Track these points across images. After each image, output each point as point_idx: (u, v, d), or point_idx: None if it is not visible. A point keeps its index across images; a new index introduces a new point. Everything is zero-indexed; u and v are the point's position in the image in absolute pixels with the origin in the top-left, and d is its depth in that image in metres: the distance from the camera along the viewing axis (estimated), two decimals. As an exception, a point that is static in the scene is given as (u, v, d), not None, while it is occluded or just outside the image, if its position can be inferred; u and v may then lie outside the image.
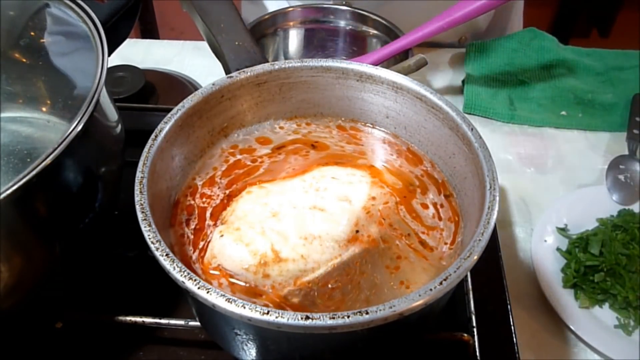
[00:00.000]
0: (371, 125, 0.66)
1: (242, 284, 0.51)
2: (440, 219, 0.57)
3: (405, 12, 1.05)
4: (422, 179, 0.61)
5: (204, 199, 0.58)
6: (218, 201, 0.58)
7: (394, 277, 0.52)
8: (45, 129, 0.72)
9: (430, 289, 0.43)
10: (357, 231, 0.53)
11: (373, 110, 0.65)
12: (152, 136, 0.54)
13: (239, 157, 0.62)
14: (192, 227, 0.56)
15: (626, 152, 0.92)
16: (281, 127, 0.66)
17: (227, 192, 0.59)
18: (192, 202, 0.58)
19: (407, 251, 0.54)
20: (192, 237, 0.56)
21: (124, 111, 0.68)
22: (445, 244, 0.55)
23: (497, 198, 0.49)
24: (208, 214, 0.57)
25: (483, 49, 1.08)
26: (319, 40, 1.05)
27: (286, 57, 1.04)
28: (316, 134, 0.65)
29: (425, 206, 0.58)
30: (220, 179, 0.60)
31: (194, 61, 1.11)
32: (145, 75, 0.98)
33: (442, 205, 0.58)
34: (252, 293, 0.51)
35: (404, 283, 0.52)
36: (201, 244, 0.55)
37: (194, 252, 0.54)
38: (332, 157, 0.63)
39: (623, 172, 0.87)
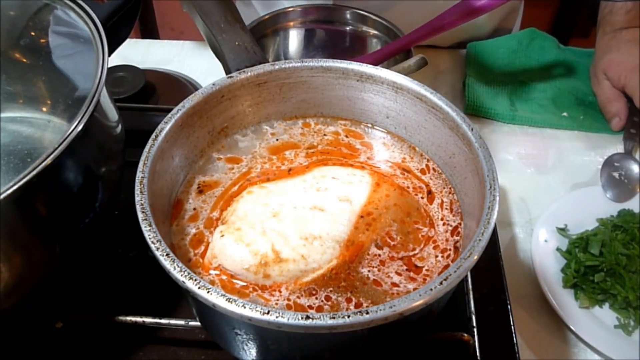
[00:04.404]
0: (371, 126, 0.66)
1: (243, 284, 0.51)
2: (439, 218, 0.57)
3: (405, 12, 1.05)
4: (421, 179, 0.61)
5: (204, 199, 0.59)
6: (219, 201, 0.58)
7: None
8: (45, 129, 0.72)
9: (431, 289, 0.43)
10: (356, 228, 0.53)
11: (373, 111, 0.65)
12: (153, 136, 0.54)
13: (237, 158, 0.63)
14: (193, 227, 0.56)
15: (623, 151, 0.92)
16: (280, 127, 0.66)
17: (228, 192, 0.59)
18: (193, 202, 0.58)
19: (407, 250, 0.54)
20: (192, 237, 0.56)
21: (124, 111, 0.68)
22: (445, 243, 0.55)
23: (497, 198, 0.49)
24: (208, 214, 0.57)
25: (483, 50, 1.08)
26: (319, 40, 1.04)
27: (286, 57, 1.03)
28: (316, 133, 0.65)
29: (425, 205, 0.58)
30: (221, 178, 0.60)
31: (194, 61, 1.11)
32: (145, 75, 0.98)
33: (441, 205, 0.58)
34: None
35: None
36: (202, 244, 0.55)
37: (194, 252, 0.54)
38: (332, 157, 0.63)
39: (617, 170, 0.87)
